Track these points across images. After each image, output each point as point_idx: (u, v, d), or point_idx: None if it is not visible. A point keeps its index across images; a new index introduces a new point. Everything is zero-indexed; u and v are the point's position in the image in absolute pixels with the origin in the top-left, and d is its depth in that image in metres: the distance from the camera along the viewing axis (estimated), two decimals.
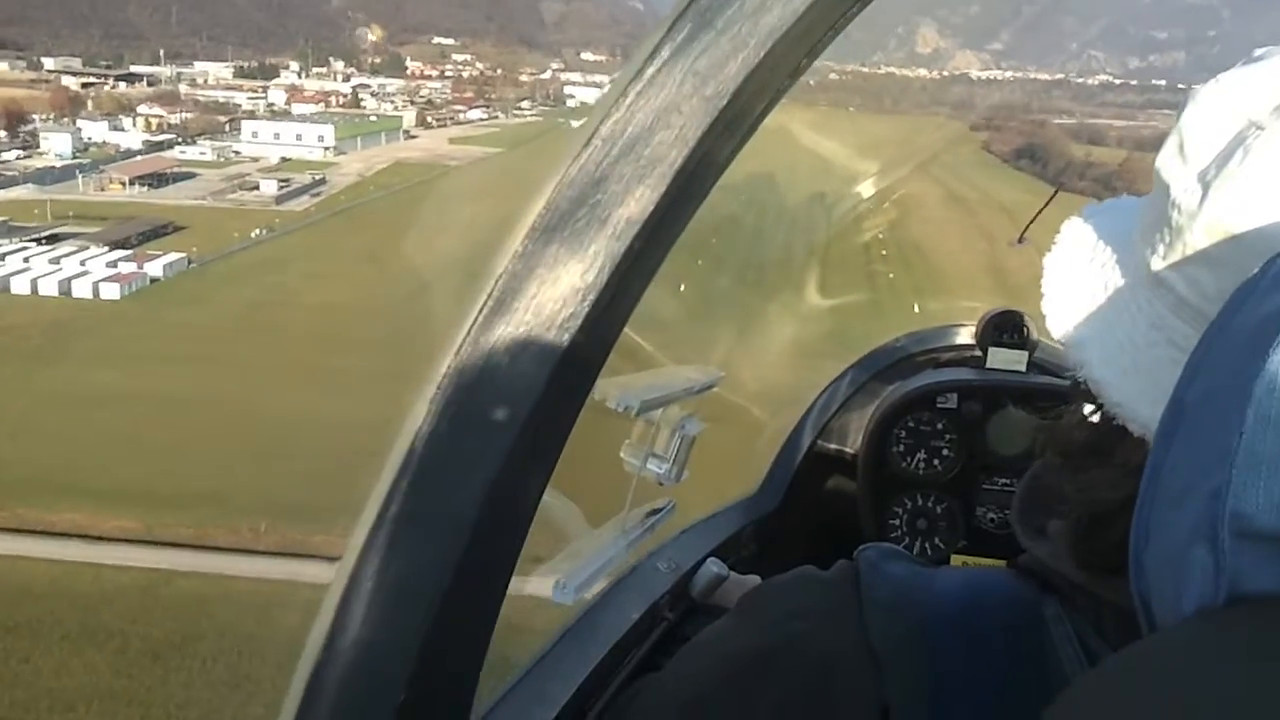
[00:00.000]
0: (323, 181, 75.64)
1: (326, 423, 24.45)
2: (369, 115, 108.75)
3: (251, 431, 26.50)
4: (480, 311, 0.60)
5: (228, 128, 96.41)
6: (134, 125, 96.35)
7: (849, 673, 0.67)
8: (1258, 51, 0.62)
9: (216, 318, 40.55)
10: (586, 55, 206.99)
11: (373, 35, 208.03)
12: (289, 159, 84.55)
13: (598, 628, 1.27)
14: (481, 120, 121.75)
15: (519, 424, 0.60)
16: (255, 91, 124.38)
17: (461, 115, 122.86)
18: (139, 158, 79.33)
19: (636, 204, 0.59)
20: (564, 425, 0.66)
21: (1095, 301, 0.65)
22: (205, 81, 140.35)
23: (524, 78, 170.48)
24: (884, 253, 27.79)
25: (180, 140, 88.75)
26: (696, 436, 1.05)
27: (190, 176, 74.96)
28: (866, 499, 2.07)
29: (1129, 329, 0.62)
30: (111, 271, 46.10)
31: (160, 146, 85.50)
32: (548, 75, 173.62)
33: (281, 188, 71.01)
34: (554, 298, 0.59)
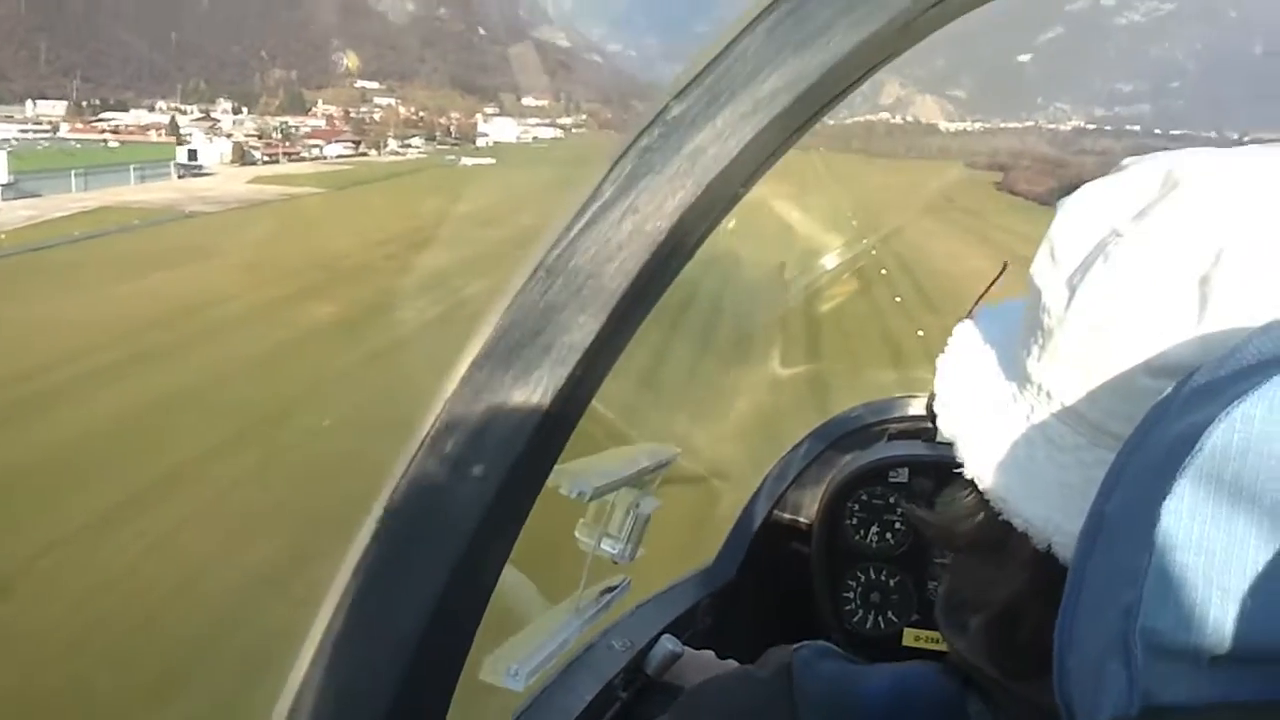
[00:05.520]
0: None
1: None
2: (110, 144, 76.11)
3: None
4: (426, 436, 0.62)
5: None
6: None
7: None
8: (1125, 161, 0.66)
9: None
10: (528, 101, 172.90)
11: (279, 72, 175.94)
12: None
13: (550, 711, 1.26)
14: (341, 157, 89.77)
15: (462, 547, 0.61)
16: (42, 125, 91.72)
17: (316, 151, 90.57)
18: None
19: (580, 331, 0.61)
20: (506, 542, 0.68)
21: (979, 401, 0.69)
22: (23, 118, 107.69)
23: (442, 120, 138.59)
24: (898, 299, 28.65)
25: None
26: (650, 515, 1.09)
27: None
28: (821, 572, 2.11)
29: (1008, 428, 0.65)
30: None
31: None
32: (477, 119, 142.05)
33: None
34: (500, 424, 0.61)
